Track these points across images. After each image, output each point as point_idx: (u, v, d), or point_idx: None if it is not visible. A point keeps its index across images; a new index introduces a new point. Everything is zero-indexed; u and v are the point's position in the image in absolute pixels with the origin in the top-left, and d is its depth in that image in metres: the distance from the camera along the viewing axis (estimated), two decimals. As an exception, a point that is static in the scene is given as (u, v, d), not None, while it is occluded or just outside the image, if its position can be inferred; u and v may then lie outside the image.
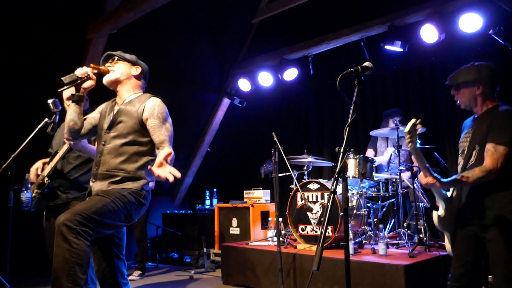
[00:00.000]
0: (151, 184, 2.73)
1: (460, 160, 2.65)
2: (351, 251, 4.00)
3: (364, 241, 4.49)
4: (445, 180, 2.44)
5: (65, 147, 3.37)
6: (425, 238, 4.19)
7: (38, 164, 3.58)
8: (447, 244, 2.69)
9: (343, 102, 6.46)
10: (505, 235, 2.32)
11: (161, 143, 2.56)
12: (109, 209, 2.38)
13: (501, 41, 4.52)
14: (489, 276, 3.86)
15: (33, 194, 3.45)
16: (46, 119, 3.79)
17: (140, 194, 2.59)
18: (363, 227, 4.60)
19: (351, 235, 4.22)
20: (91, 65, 2.70)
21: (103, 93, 2.95)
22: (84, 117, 2.82)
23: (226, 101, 7.25)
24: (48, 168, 3.47)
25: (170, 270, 5.88)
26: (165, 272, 5.76)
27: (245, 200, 5.81)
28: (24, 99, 4.97)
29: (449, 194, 2.65)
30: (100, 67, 2.75)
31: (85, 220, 2.26)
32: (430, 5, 4.91)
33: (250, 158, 7.33)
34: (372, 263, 3.67)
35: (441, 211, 2.65)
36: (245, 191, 5.93)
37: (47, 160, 3.64)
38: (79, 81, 2.66)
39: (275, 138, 4.25)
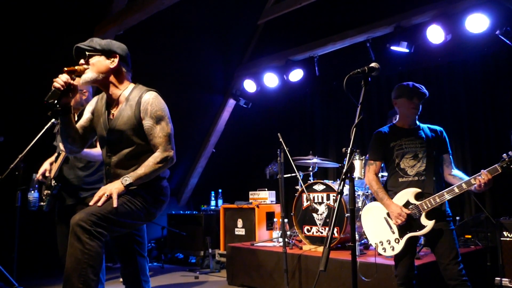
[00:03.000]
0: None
1: (414, 163, 2.94)
2: (357, 252, 3.98)
3: (369, 242, 4.47)
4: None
5: None
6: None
7: (46, 165, 3.59)
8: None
9: (348, 103, 6.44)
10: (450, 226, 2.83)
11: (154, 146, 2.47)
12: (126, 208, 2.34)
13: (508, 42, 4.50)
14: (496, 278, 3.86)
15: (44, 195, 3.47)
16: (53, 120, 3.81)
17: (157, 191, 2.54)
18: (368, 228, 4.58)
19: (357, 236, 4.21)
20: (65, 69, 2.41)
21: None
22: (79, 124, 2.63)
23: (231, 102, 7.26)
24: (54, 170, 3.48)
25: (175, 271, 5.89)
26: (170, 273, 5.77)
27: (250, 201, 5.81)
28: (31, 99, 5.00)
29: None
30: (76, 68, 2.46)
31: (99, 220, 2.23)
32: (437, 6, 4.89)
33: (255, 159, 7.33)
34: (377, 264, 3.66)
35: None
36: (250, 192, 5.93)
37: (53, 159, 3.66)
38: (64, 94, 2.38)
39: (281, 139, 4.24)
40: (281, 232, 4.42)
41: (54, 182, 3.44)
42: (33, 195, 3.57)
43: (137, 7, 4.81)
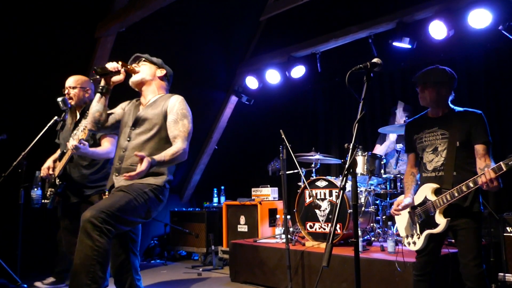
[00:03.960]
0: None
1: (433, 157, 2.83)
2: (360, 248, 3.99)
3: (372, 239, 4.48)
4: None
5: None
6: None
7: (49, 163, 3.61)
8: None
9: (350, 100, 6.44)
10: (474, 224, 2.67)
11: (174, 137, 2.69)
12: (132, 206, 2.42)
13: (510, 37, 4.48)
14: (499, 274, 3.85)
15: (48, 193, 3.49)
16: (55, 117, 3.83)
17: (160, 190, 2.64)
18: (371, 224, 4.59)
19: (359, 232, 4.21)
20: (120, 62, 2.80)
21: (125, 93, 3.04)
22: (109, 111, 2.90)
23: (233, 99, 7.25)
24: (58, 168, 3.50)
25: (178, 268, 5.90)
26: (173, 270, 5.78)
27: (253, 197, 5.82)
28: (33, 96, 5.01)
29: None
30: (128, 65, 2.85)
31: (109, 218, 2.30)
32: (439, 1, 4.87)
33: (257, 155, 7.33)
34: (381, 260, 3.66)
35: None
36: (253, 189, 5.93)
37: (56, 156, 3.67)
38: (109, 74, 2.76)
39: (283, 136, 4.24)
40: (283, 228, 4.42)
41: (58, 180, 3.45)
42: (36, 192, 3.59)
43: (140, 4, 4.80)
